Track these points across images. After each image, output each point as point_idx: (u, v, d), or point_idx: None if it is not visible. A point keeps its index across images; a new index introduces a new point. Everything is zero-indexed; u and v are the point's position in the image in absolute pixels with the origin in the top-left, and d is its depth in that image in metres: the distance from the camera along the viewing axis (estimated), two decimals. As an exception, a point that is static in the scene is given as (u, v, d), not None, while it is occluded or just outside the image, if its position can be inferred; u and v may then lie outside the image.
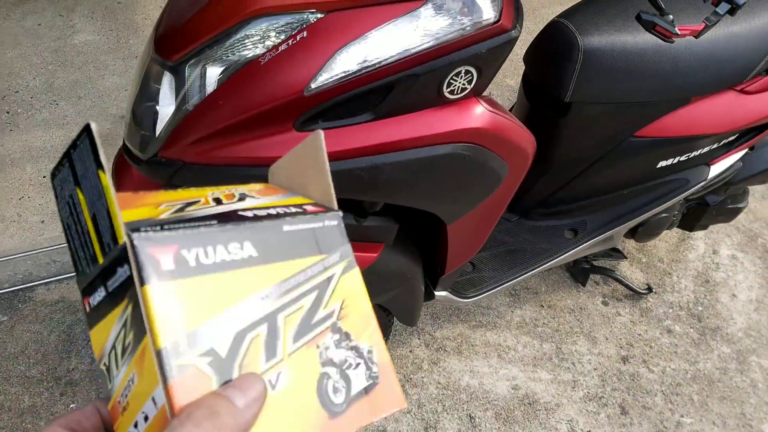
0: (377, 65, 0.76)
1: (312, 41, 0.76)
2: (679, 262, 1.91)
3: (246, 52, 0.77)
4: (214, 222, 0.29)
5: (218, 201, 0.34)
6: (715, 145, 1.32)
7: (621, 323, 1.73)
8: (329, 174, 0.36)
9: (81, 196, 0.29)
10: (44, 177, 1.86)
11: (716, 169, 1.40)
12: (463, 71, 0.79)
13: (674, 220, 1.55)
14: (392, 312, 1.24)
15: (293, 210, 0.34)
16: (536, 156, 1.01)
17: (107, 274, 0.28)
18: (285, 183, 0.40)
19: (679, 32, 0.81)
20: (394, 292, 1.14)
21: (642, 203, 1.38)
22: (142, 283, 0.25)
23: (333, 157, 0.75)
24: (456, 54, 0.77)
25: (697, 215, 1.60)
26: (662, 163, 1.30)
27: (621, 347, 1.67)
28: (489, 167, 0.90)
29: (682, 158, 1.31)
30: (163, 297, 0.25)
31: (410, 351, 1.59)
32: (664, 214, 1.46)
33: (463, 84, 0.81)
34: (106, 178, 0.27)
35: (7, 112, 2.06)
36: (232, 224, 0.30)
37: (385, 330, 1.31)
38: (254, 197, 0.36)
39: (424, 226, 1.13)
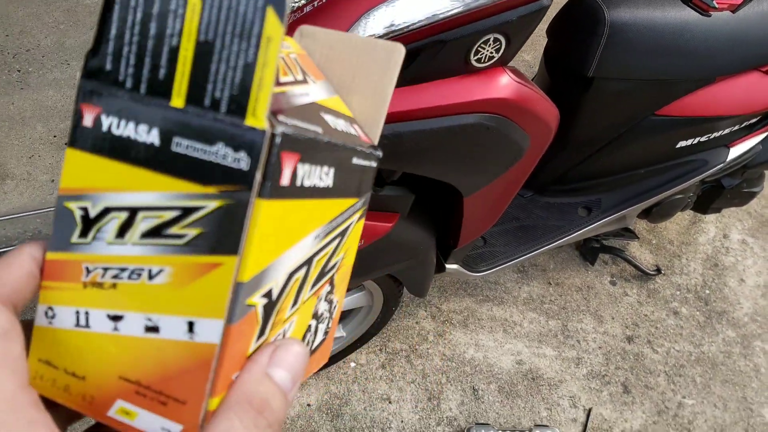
0: (404, 30, 0.74)
1: (337, 4, 0.74)
2: (689, 244, 1.90)
3: (270, 12, 0.75)
4: (319, 130, 0.23)
5: (300, 75, 0.26)
6: (737, 127, 1.30)
7: (628, 303, 1.73)
8: (388, 102, 0.30)
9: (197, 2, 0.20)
10: (54, 136, 1.85)
11: (736, 151, 1.38)
12: (491, 39, 0.78)
13: (689, 202, 1.54)
14: (403, 282, 1.24)
15: (353, 132, 0.28)
16: (555, 131, 1.00)
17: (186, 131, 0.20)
18: (318, 60, 0.30)
19: (717, 6, 0.78)
20: (406, 263, 1.14)
21: (658, 183, 1.37)
22: (261, 194, 0.19)
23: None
24: (486, 21, 0.75)
25: (711, 198, 1.59)
26: (682, 144, 1.28)
27: (627, 327, 1.68)
28: (511, 139, 0.89)
29: (702, 139, 1.29)
30: (271, 219, 0.20)
31: (416, 323, 1.60)
32: (679, 196, 1.45)
33: (491, 52, 0.79)
34: (279, 25, 0.18)
35: (18, 71, 2.04)
36: (335, 141, 0.24)
37: (395, 301, 1.31)
38: (311, 79, 0.28)
39: (440, 198, 1.12)
